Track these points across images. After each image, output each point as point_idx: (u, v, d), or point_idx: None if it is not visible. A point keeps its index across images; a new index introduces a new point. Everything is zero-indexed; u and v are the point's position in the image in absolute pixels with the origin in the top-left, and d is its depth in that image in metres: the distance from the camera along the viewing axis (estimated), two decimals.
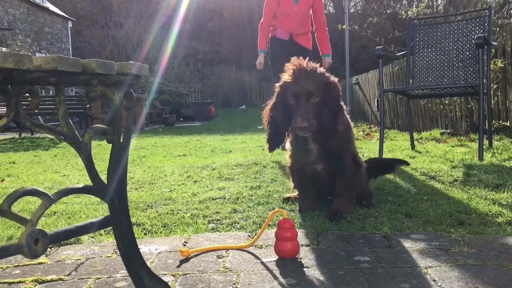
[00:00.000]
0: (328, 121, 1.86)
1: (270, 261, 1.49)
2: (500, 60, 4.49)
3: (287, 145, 2.13)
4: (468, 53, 3.74)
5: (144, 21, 20.48)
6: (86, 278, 1.39)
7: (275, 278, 1.34)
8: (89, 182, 1.10)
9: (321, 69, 1.93)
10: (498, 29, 4.63)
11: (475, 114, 4.86)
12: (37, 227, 0.92)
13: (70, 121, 1.04)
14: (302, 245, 1.63)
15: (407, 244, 1.61)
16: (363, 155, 3.88)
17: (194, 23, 20.15)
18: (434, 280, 1.29)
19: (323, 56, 4.29)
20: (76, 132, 1.04)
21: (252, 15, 24.54)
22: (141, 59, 17.59)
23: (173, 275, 1.39)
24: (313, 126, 1.82)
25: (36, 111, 9.15)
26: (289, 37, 4.20)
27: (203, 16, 22.41)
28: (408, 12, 4.55)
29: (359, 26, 7.09)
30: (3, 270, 1.46)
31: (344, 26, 6.62)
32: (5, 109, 0.92)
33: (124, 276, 1.38)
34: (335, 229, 1.82)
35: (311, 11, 4.26)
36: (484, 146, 3.33)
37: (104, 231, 1.85)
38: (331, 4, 25.02)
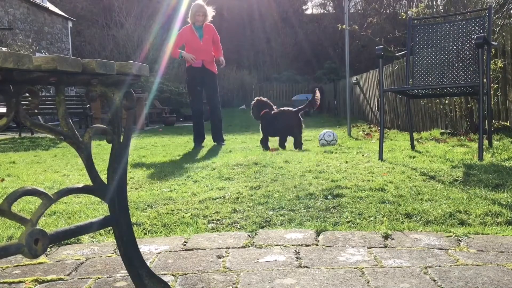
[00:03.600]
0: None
1: (270, 261, 1.49)
2: (500, 60, 4.49)
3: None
4: (468, 53, 3.74)
5: (144, 21, 20.48)
6: (86, 278, 1.39)
7: (275, 278, 1.34)
8: (89, 182, 1.10)
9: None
10: (498, 29, 4.63)
11: (475, 114, 4.86)
12: (37, 227, 0.92)
13: (70, 121, 1.04)
14: (302, 245, 1.63)
15: (407, 244, 1.61)
16: (363, 155, 3.89)
17: None
18: (434, 280, 1.29)
19: (219, 57, 5.75)
20: (76, 132, 1.04)
21: (252, 15, 24.54)
22: (141, 59, 17.58)
23: (173, 275, 1.39)
24: None
25: (36, 111, 9.15)
26: (202, 65, 5.61)
27: None
28: (408, 12, 4.54)
29: (359, 26, 7.09)
30: (3, 270, 1.46)
31: (344, 26, 6.61)
32: (5, 109, 0.92)
33: (124, 276, 1.38)
34: (334, 229, 1.82)
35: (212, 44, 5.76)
36: (484, 146, 3.33)
37: (104, 231, 1.86)
38: (331, 4, 25.04)
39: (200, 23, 5.63)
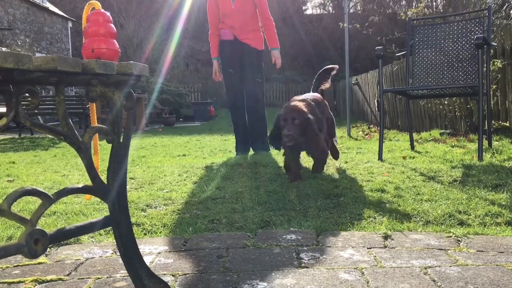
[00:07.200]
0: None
1: (270, 261, 1.49)
2: (499, 61, 4.49)
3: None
4: (467, 53, 3.74)
5: (144, 22, 20.48)
6: (86, 278, 1.39)
7: (275, 278, 1.34)
8: (88, 182, 1.11)
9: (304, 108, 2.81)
10: (497, 29, 4.63)
11: (474, 114, 4.86)
12: (37, 227, 0.92)
13: (70, 121, 1.04)
14: (301, 245, 1.63)
15: (407, 245, 1.61)
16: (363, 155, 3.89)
17: (194, 23, 20.17)
18: (434, 280, 1.29)
19: (271, 50, 4.21)
20: (76, 132, 1.04)
21: None
22: (143, 59, 17.59)
23: (172, 275, 1.39)
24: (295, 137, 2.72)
25: (36, 111, 9.14)
26: (234, 38, 4.08)
27: (203, 16, 22.41)
28: (408, 12, 4.55)
29: (359, 25, 7.09)
30: (3, 270, 1.46)
31: (345, 25, 6.62)
32: (5, 109, 0.92)
33: (124, 276, 1.38)
34: (334, 229, 1.82)
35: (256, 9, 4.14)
36: (483, 147, 3.33)
37: (104, 231, 1.85)
38: (331, 4, 25.05)
39: None
